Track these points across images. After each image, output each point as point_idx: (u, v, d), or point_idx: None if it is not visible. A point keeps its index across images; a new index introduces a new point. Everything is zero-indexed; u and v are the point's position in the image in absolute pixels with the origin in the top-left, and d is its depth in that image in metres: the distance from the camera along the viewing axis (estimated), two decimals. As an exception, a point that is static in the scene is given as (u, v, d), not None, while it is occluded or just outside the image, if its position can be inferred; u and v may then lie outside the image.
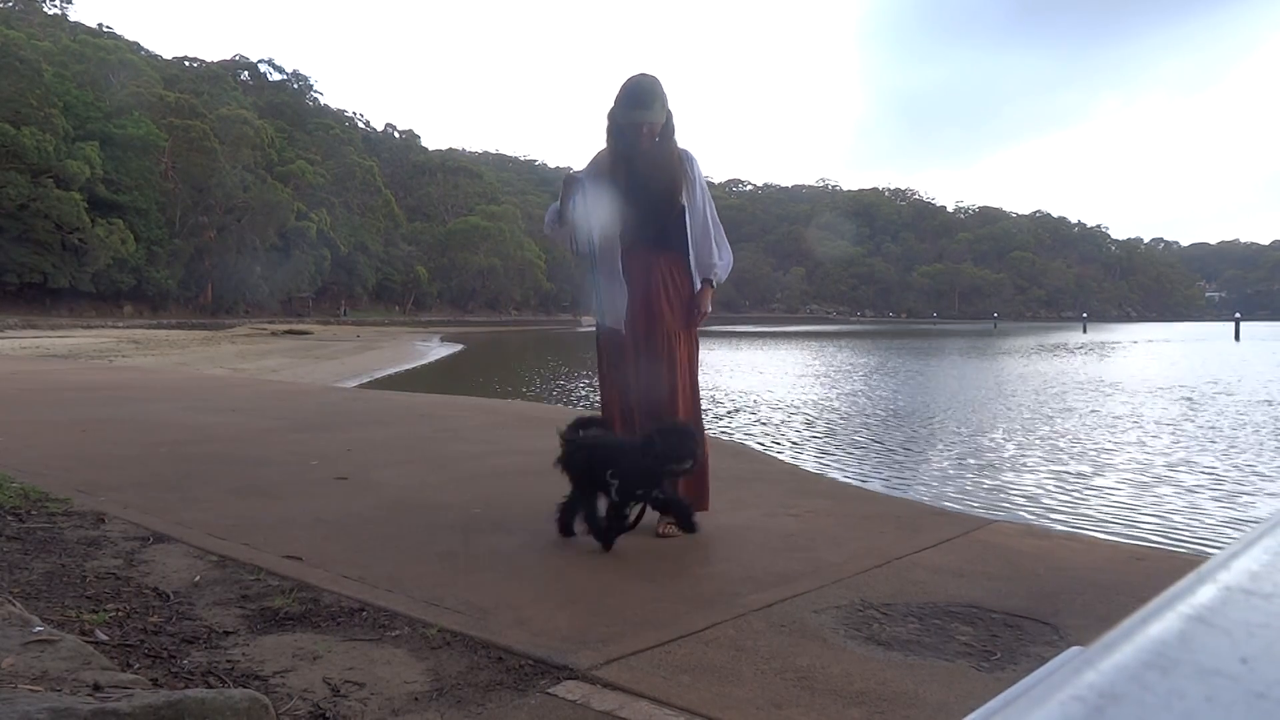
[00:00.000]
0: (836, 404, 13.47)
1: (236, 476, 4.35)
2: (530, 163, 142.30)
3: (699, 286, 3.50)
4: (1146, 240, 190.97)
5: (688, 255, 3.48)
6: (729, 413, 11.93)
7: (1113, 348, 37.66)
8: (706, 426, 3.90)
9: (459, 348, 34.26)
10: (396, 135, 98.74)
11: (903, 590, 2.72)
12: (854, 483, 6.51)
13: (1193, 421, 11.28)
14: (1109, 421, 11.23)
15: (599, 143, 3.58)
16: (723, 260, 3.54)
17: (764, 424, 10.72)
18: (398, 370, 21.94)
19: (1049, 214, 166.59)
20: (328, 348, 30.12)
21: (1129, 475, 7.38)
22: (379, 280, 73.12)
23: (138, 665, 2.02)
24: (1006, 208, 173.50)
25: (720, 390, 15.49)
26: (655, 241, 3.48)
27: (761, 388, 16.33)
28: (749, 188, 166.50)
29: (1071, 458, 8.27)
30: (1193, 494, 6.65)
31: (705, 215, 3.49)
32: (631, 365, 3.44)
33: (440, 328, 57.68)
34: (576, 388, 16.24)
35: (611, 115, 3.44)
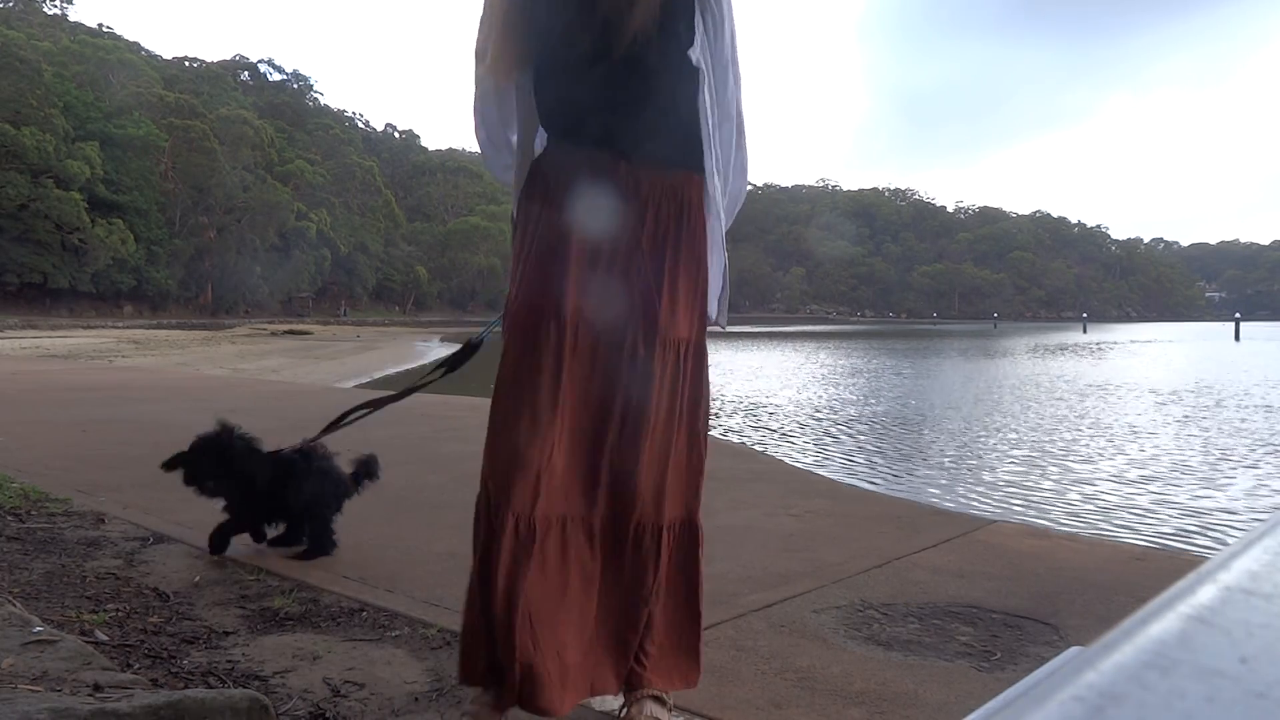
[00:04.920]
0: (837, 404, 13.47)
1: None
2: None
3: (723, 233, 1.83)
4: (1146, 240, 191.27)
5: (703, 172, 1.73)
6: (729, 413, 11.92)
7: (1113, 348, 37.65)
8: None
9: (458, 348, 34.21)
10: (396, 135, 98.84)
11: (903, 590, 2.72)
12: (854, 483, 6.51)
13: (1193, 423, 11.28)
14: (1109, 422, 11.23)
15: None
16: (735, 184, 1.84)
17: (764, 424, 10.72)
18: (397, 370, 21.93)
19: (1049, 214, 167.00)
20: (328, 348, 30.12)
21: (1129, 476, 7.38)
22: (379, 280, 73.15)
23: (138, 665, 2.02)
24: (1006, 208, 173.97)
25: (721, 391, 15.49)
26: (639, 141, 1.69)
27: (762, 389, 16.34)
28: (749, 188, 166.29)
29: (1072, 458, 8.27)
30: (1193, 495, 6.65)
31: (736, 98, 1.77)
32: (572, 396, 1.66)
33: (440, 328, 57.64)
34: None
35: None
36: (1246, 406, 13.13)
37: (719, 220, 1.80)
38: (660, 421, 1.68)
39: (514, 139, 1.83)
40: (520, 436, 1.63)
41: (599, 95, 1.69)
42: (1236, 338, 45.81)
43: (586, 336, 1.65)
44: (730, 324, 1.86)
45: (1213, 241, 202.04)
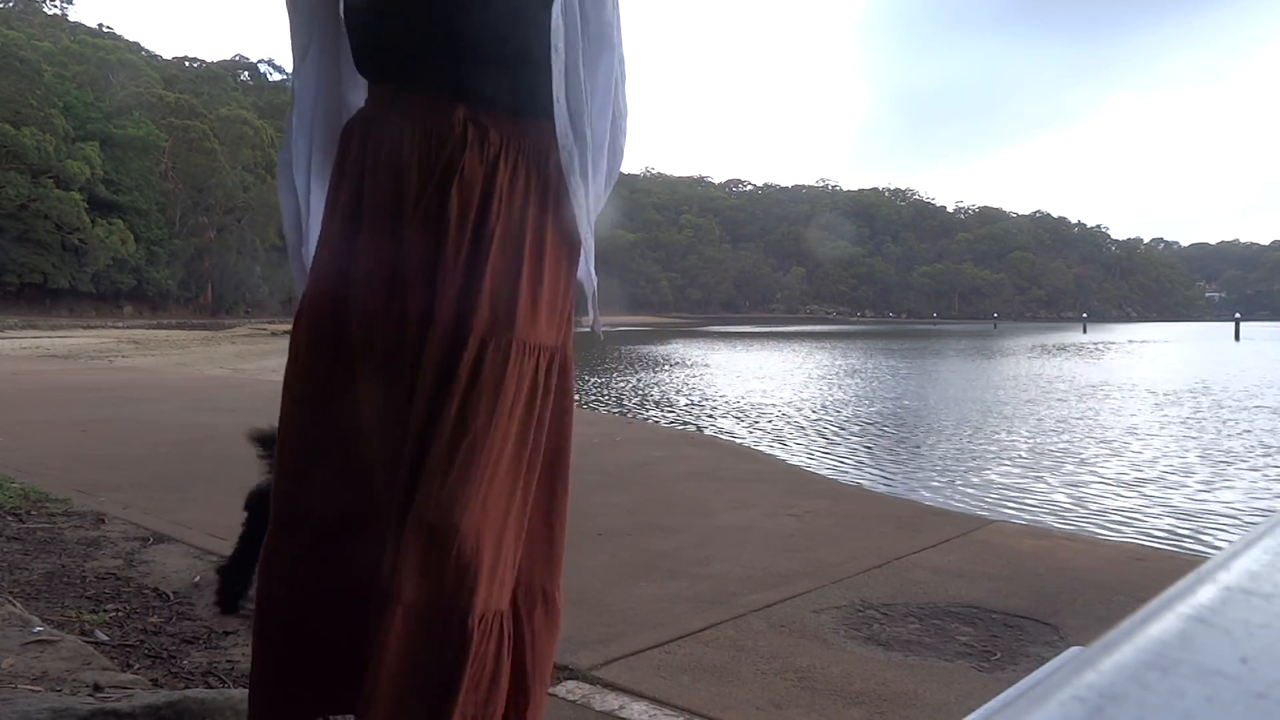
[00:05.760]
0: (837, 405, 13.47)
1: (236, 476, 4.34)
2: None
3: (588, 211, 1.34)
4: (1146, 240, 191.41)
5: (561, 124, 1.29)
6: (730, 414, 11.93)
7: (1113, 349, 37.67)
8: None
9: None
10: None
11: (903, 590, 2.72)
12: (854, 483, 6.51)
13: (1193, 424, 11.28)
14: (1109, 423, 11.23)
15: None
16: (616, 143, 1.40)
17: (764, 424, 10.72)
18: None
19: (1049, 214, 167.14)
20: (328, 348, 30.06)
21: (1129, 477, 7.38)
22: (379, 280, 73.15)
23: (138, 665, 2.02)
24: (1006, 208, 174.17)
25: (721, 392, 15.51)
26: (484, 79, 1.29)
27: (762, 389, 16.34)
28: (749, 188, 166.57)
29: (1072, 459, 8.27)
30: (1193, 495, 6.65)
31: (615, 22, 1.36)
32: (378, 420, 1.28)
33: (440, 328, 57.53)
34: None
35: None
36: (1247, 408, 13.13)
37: (588, 191, 1.32)
38: (504, 459, 1.20)
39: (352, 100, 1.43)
40: (303, 479, 1.28)
41: (426, 20, 1.28)
42: (1236, 338, 45.81)
43: (409, 341, 1.22)
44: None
45: (1213, 241, 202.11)
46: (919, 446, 9.16)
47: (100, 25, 72.71)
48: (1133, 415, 11.98)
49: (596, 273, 1.42)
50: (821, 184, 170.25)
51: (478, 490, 1.17)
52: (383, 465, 1.24)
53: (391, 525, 1.19)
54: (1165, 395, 14.96)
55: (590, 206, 1.35)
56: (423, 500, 1.16)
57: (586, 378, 17.79)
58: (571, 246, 1.34)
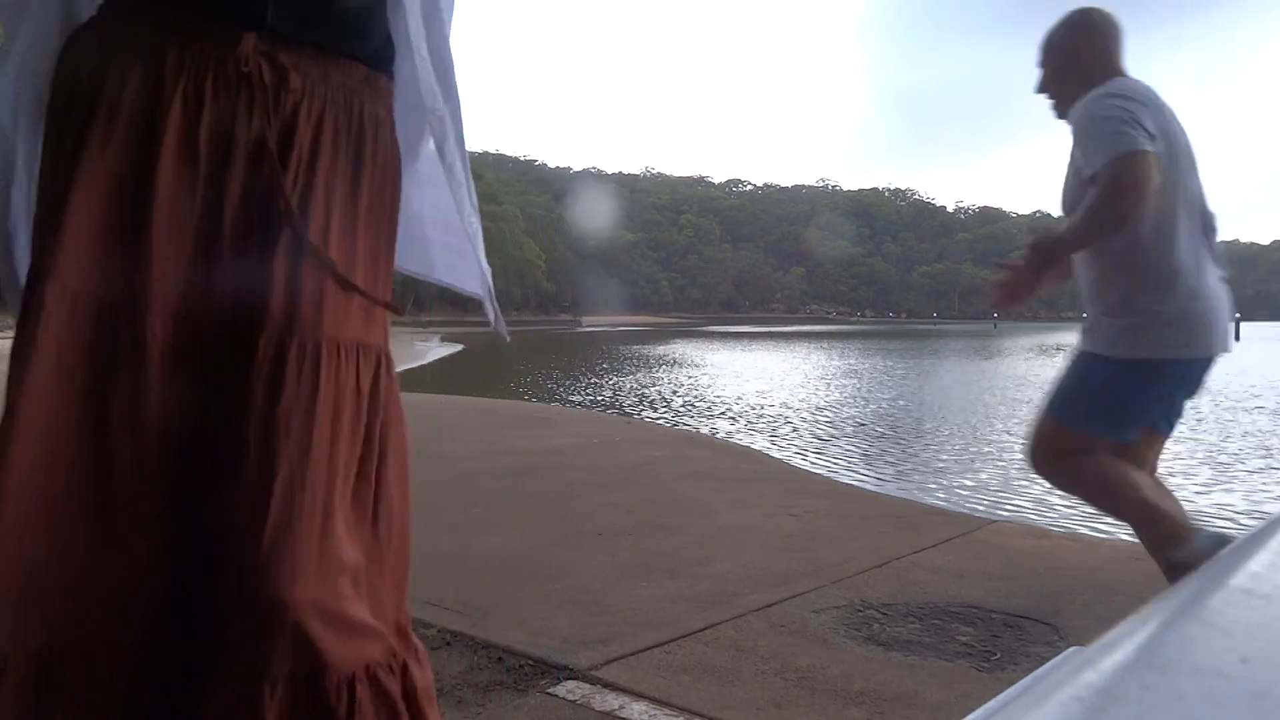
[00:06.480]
0: (836, 404, 13.48)
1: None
2: (529, 162, 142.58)
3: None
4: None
5: (391, 75, 1.09)
6: (728, 414, 11.93)
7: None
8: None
9: (458, 348, 34.27)
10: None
11: (903, 590, 2.72)
12: (854, 483, 6.51)
13: (1193, 425, 11.29)
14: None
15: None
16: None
17: (764, 425, 10.72)
18: (396, 370, 21.89)
19: (1049, 214, 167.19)
20: (327, 348, 30.01)
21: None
22: (379, 280, 73.13)
23: (137, 665, 2.02)
24: (1006, 208, 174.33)
25: (721, 392, 15.52)
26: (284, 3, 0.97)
27: (762, 389, 16.35)
28: (749, 188, 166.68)
29: (1071, 458, 8.27)
30: (1193, 496, 6.65)
31: None
32: (154, 444, 0.91)
33: (440, 328, 57.67)
34: (573, 388, 16.25)
35: None
36: (1247, 409, 13.13)
37: (461, 157, 1.12)
38: (333, 494, 0.96)
39: None
40: (40, 518, 0.87)
41: None
42: (1236, 337, 45.74)
43: (185, 341, 0.91)
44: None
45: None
46: (918, 446, 9.16)
47: (100, 25, 72.84)
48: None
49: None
50: (821, 184, 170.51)
51: (306, 542, 0.90)
52: (155, 517, 0.91)
53: (187, 594, 0.92)
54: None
55: (468, 183, 1.13)
56: (236, 564, 0.90)
57: (586, 376, 17.79)
58: (390, 223, 1.07)
